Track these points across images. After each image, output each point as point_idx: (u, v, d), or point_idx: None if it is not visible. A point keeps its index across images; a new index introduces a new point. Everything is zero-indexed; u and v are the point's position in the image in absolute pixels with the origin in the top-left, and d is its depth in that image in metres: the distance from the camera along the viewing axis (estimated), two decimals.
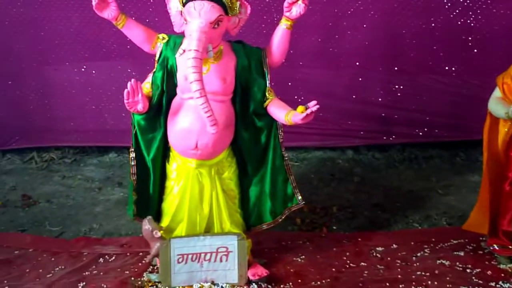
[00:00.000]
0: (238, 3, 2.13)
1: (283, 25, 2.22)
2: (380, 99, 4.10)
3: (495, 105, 2.43)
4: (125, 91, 2.00)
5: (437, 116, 4.09)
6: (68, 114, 4.23)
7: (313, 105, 2.06)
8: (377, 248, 2.79)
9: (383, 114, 4.13)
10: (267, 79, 2.28)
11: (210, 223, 2.43)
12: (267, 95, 2.28)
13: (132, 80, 2.01)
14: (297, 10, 2.16)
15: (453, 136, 4.11)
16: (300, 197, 2.48)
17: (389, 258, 2.68)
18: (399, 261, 2.64)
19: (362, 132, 4.24)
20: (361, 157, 4.29)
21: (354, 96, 4.10)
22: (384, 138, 4.23)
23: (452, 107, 4.02)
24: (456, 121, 4.04)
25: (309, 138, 4.28)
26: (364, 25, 3.86)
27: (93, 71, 4.08)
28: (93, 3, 2.04)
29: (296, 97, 4.03)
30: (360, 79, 4.04)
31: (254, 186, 2.48)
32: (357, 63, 3.98)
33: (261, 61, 2.27)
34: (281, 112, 2.21)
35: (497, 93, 2.46)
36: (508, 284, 2.39)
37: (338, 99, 4.13)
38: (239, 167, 2.45)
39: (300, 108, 2.08)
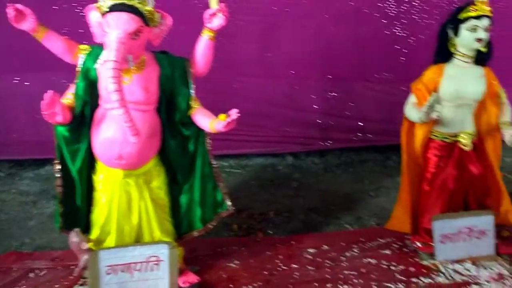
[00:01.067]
0: (158, 15, 2.17)
1: (206, 36, 2.28)
2: (316, 106, 4.24)
3: (410, 110, 2.59)
4: (42, 102, 1.99)
5: (370, 121, 4.28)
6: (2, 127, 4.11)
7: (234, 113, 2.12)
8: (309, 250, 2.88)
9: (319, 121, 4.27)
10: (191, 88, 2.33)
11: (140, 233, 2.43)
12: (191, 104, 2.32)
13: (50, 91, 2.00)
14: (218, 21, 2.22)
15: (386, 140, 4.29)
16: (229, 203, 2.54)
17: (319, 259, 2.77)
18: (328, 262, 2.74)
19: (301, 138, 4.37)
20: (300, 163, 4.40)
21: (292, 104, 4.22)
22: (322, 143, 4.37)
23: (384, 113, 4.21)
24: (388, 126, 4.21)
25: (251, 145, 4.36)
26: (298, 35, 3.99)
27: (27, 83, 3.99)
28: (9, 15, 2.03)
29: (235, 105, 4.08)
30: (296, 87, 4.17)
31: (184, 194, 2.51)
32: (293, 72, 4.11)
33: (185, 71, 2.32)
34: (205, 120, 2.27)
35: (412, 98, 2.62)
36: (428, 279, 2.52)
37: (278, 106, 4.24)
38: (169, 175, 2.47)
39: (222, 116, 2.13)
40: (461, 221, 2.64)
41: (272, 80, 4.12)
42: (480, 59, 2.52)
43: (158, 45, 2.26)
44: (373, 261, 2.73)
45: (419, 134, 2.65)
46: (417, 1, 3.96)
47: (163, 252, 2.39)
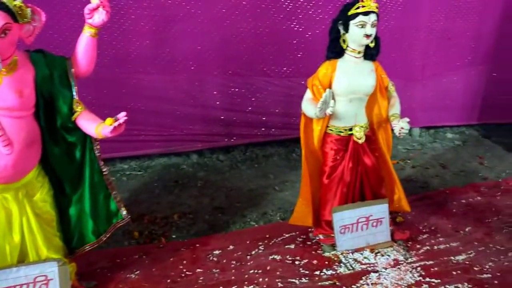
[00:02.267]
0: (29, 10, 1.93)
1: (87, 33, 2.08)
2: (218, 102, 4.16)
3: (307, 106, 2.61)
4: None
5: (272, 115, 4.30)
6: None
7: (122, 117, 1.96)
8: (214, 252, 2.81)
9: (222, 117, 4.20)
10: (73, 90, 2.11)
11: (24, 251, 2.18)
12: (74, 107, 2.11)
13: None
14: (100, 17, 2.04)
15: (288, 134, 4.34)
16: (125, 212, 2.38)
17: (225, 261, 2.72)
18: (234, 262, 2.70)
19: (205, 136, 4.26)
20: (205, 161, 4.31)
21: (192, 101, 4.10)
22: (226, 140, 4.31)
23: (285, 107, 4.26)
24: (290, 120, 4.27)
25: (152, 145, 4.18)
26: (196, 30, 3.87)
27: None
28: None
29: (133, 104, 3.91)
30: (196, 83, 4.05)
31: (73, 206, 2.30)
32: (192, 68, 3.98)
33: (66, 71, 2.10)
34: (90, 125, 2.08)
35: (308, 94, 2.64)
36: (330, 271, 2.58)
37: (178, 104, 4.09)
38: (55, 186, 2.24)
39: (109, 120, 1.96)
40: (358, 211, 2.73)
41: (170, 76, 3.95)
42: (369, 54, 2.60)
43: (31, 43, 2.02)
44: (278, 257, 2.73)
45: (316, 129, 2.68)
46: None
47: (51, 270, 2.19)
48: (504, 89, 4.90)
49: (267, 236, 2.99)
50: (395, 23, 4.35)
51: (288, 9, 4.00)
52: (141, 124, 4.00)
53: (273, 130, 4.34)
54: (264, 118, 4.29)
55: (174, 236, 3.06)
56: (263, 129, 4.32)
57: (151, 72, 3.90)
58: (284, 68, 4.16)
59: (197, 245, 2.89)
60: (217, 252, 2.81)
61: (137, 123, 3.96)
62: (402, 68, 4.56)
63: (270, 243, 2.91)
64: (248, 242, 2.93)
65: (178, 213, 3.35)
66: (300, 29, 4.08)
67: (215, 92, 4.12)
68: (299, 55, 4.12)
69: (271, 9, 3.97)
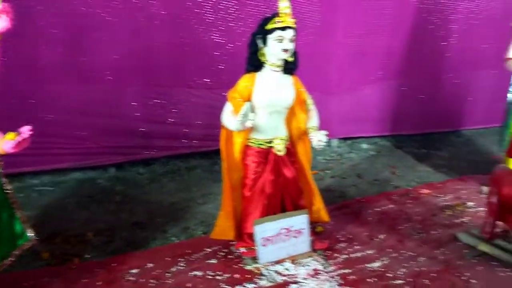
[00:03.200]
0: None
1: None
2: (138, 114, 4.04)
3: (227, 118, 2.59)
4: None
5: (195, 127, 4.25)
6: None
7: (25, 131, 1.81)
8: (132, 271, 2.68)
9: (142, 129, 4.08)
10: None
11: None
12: None
13: None
14: (1, 23, 1.88)
15: (211, 146, 4.29)
16: (31, 233, 2.20)
17: (143, 280, 2.60)
18: (153, 281, 2.59)
19: (123, 148, 4.11)
20: (124, 174, 4.15)
21: (110, 112, 3.94)
22: (146, 152, 4.18)
23: (207, 118, 4.22)
24: (212, 131, 4.17)
25: (65, 159, 3.95)
26: (112, 39, 3.72)
27: None
28: None
29: (44, 115, 3.67)
30: (114, 94, 3.90)
31: None
32: (109, 78, 3.83)
33: None
34: None
35: (228, 107, 2.62)
36: (252, 285, 2.56)
37: (94, 115, 3.91)
38: None
39: (11, 135, 1.81)
40: (279, 222, 2.75)
41: (85, 86, 3.77)
42: (288, 68, 2.65)
43: None
44: (199, 273, 2.67)
45: (237, 142, 2.67)
46: (232, 9, 4.05)
47: None
48: (413, 102, 5.26)
49: (188, 251, 2.91)
50: (313, 38, 4.49)
51: (209, 20, 3.99)
52: (53, 136, 3.77)
53: (195, 141, 4.29)
54: (186, 130, 4.22)
55: (88, 256, 2.88)
56: (185, 141, 4.26)
57: (64, 82, 3.69)
58: (206, 80, 4.13)
59: (113, 264, 2.75)
60: (134, 271, 2.68)
61: (49, 136, 3.72)
62: (320, 82, 4.72)
63: (191, 259, 2.83)
64: (168, 258, 2.83)
65: (94, 231, 3.17)
66: (222, 41, 4.08)
67: (134, 103, 3.99)
68: (221, 67, 4.12)
69: (192, 20, 3.94)
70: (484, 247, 2.90)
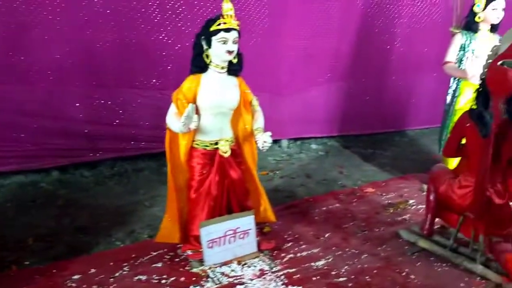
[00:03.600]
0: None
1: None
2: (81, 115, 3.92)
3: (171, 120, 2.57)
4: None
5: (142, 128, 4.17)
6: None
7: None
8: (74, 277, 2.60)
9: (86, 130, 3.96)
10: None
11: None
12: None
13: None
14: None
15: (160, 147, 4.18)
16: None
17: (85, 286, 2.53)
18: (95, 287, 2.52)
19: (67, 150, 3.98)
20: (68, 177, 4.02)
21: (52, 113, 3.80)
22: (91, 154, 4.07)
23: (155, 119, 4.13)
24: (160, 132, 4.08)
25: (5, 162, 3.78)
26: (54, 38, 3.59)
27: None
28: None
29: None
30: (57, 94, 3.76)
31: None
32: (51, 78, 3.69)
33: None
34: None
35: (173, 109, 2.60)
36: (198, 287, 2.55)
37: (35, 116, 3.77)
38: None
39: None
40: (226, 224, 2.75)
41: (25, 86, 3.62)
42: (233, 69, 2.65)
43: None
44: (143, 277, 2.62)
45: (182, 144, 2.66)
46: (180, 9, 4.01)
47: None
48: (360, 103, 5.40)
49: (133, 255, 2.85)
50: (262, 40, 4.53)
51: (156, 20, 3.94)
52: None
53: (143, 143, 4.21)
54: (133, 131, 4.14)
55: (27, 263, 2.77)
56: (132, 142, 4.17)
57: (2, 82, 3.53)
58: (154, 80, 4.07)
59: (54, 270, 2.65)
60: (76, 277, 2.60)
61: None
62: (270, 83, 4.77)
63: (136, 263, 2.78)
64: (111, 263, 2.76)
65: (34, 236, 3.05)
66: (169, 41, 4.03)
67: (77, 104, 3.87)
68: (169, 67, 4.07)
69: (138, 20, 3.87)
70: (423, 244, 3.03)
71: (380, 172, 4.57)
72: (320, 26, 4.85)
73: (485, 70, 2.65)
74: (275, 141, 5.08)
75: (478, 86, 2.70)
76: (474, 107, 2.68)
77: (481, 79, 2.66)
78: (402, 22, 5.35)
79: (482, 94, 2.65)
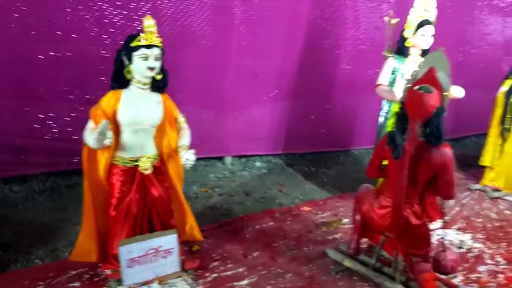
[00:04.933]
0: None
1: None
2: (12, 128, 3.79)
3: (87, 136, 2.50)
4: None
5: (76, 143, 3.94)
6: None
7: None
8: None
9: (17, 144, 3.83)
10: None
11: None
12: None
13: None
14: None
15: None
16: None
17: None
18: None
19: None
20: None
21: None
22: (22, 169, 3.93)
23: None
24: None
25: None
26: None
27: None
28: None
29: None
30: None
31: None
32: None
33: None
34: None
35: (90, 124, 2.54)
36: None
37: None
38: None
39: None
40: (147, 243, 2.69)
41: None
42: (156, 86, 2.63)
43: None
44: None
45: (102, 160, 2.59)
46: (119, 23, 3.97)
47: None
48: (305, 122, 5.47)
49: (51, 274, 2.77)
50: (206, 58, 4.54)
51: (93, 34, 3.88)
52: None
53: (77, 158, 4.08)
54: (67, 146, 4.02)
55: None
56: (66, 157, 4.05)
57: None
58: (89, 95, 3.98)
59: None
60: None
61: None
62: (215, 100, 4.78)
63: (53, 283, 2.69)
64: (27, 282, 2.67)
65: None
66: (107, 55, 3.96)
67: (7, 117, 3.75)
68: (104, 81, 4.00)
69: (73, 32, 3.80)
70: (348, 263, 3.05)
71: (319, 191, 4.61)
72: (266, 45, 4.91)
73: (405, 94, 2.74)
74: (219, 158, 5.08)
75: (398, 110, 2.78)
76: (393, 129, 2.76)
77: (401, 102, 2.75)
78: (347, 43, 5.48)
79: (401, 117, 2.72)
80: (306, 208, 4.07)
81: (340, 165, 5.55)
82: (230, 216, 3.85)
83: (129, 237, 2.67)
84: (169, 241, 2.77)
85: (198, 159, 4.75)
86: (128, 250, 2.64)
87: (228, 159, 5.10)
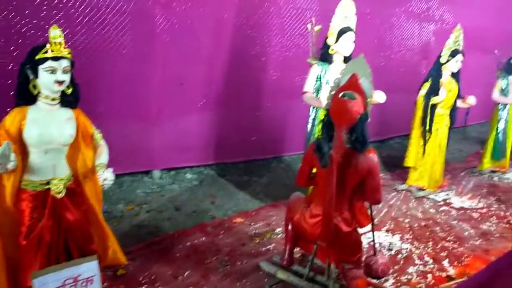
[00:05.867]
0: None
1: None
2: None
3: None
4: None
5: None
6: None
7: None
8: None
9: None
10: None
11: None
12: None
13: None
14: None
15: None
16: None
17: None
18: None
19: None
20: None
21: None
22: None
23: None
24: None
25: None
26: None
27: None
28: None
29: None
30: None
31: None
32: None
33: None
34: None
35: None
36: None
37: None
38: None
39: None
40: (64, 272, 2.43)
41: None
42: (67, 101, 2.42)
43: None
44: None
45: (8, 185, 2.33)
46: (27, 34, 3.67)
47: None
48: (235, 130, 5.38)
49: None
50: (128, 68, 4.33)
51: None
52: None
53: None
54: None
55: None
56: None
57: None
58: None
59: None
60: None
61: None
62: (140, 112, 4.57)
63: None
64: None
65: None
66: (16, 68, 3.64)
67: None
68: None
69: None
70: (281, 275, 2.99)
71: (252, 200, 4.54)
72: (191, 54, 4.77)
73: (329, 101, 2.73)
74: (146, 172, 4.86)
75: (323, 117, 2.77)
76: (320, 137, 2.74)
77: (326, 109, 2.73)
78: (273, 51, 5.48)
79: (327, 124, 2.71)
80: (239, 220, 3.98)
81: (272, 172, 5.51)
82: (159, 234, 3.66)
83: (43, 267, 2.42)
84: (89, 268, 2.53)
85: (124, 175, 4.64)
86: (42, 282, 2.38)
87: (157, 173, 4.89)
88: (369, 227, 3.04)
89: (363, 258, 3.02)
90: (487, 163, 5.75)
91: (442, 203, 4.67)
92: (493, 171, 5.74)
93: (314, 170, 2.82)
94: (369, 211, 3.02)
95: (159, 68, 4.59)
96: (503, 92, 5.49)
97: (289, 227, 3.01)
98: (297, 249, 3.10)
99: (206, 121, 5.16)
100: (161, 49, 4.54)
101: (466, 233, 3.96)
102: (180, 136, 4.97)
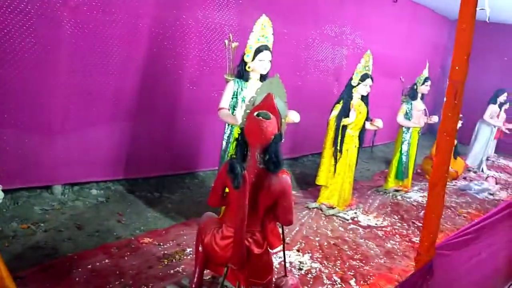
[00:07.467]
0: None
1: None
2: None
3: None
4: None
5: None
6: None
7: None
8: None
9: None
10: None
11: None
12: None
13: None
14: None
15: None
16: None
17: None
18: None
19: None
20: None
21: None
22: None
23: None
24: None
25: None
26: None
27: None
28: None
29: None
30: None
31: None
32: None
33: None
34: None
35: None
36: None
37: None
38: None
39: None
40: None
41: None
42: None
43: None
44: None
45: None
46: None
47: None
48: (147, 144, 5.15)
49: None
50: (29, 74, 3.96)
51: None
52: None
53: None
54: None
55: None
56: None
57: None
58: None
59: None
60: None
61: None
62: (41, 122, 4.18)
63: None
64: None
65: None
66: None
67: None
68: None
69: None
70: None
71: (163, 219, 4.33)
72: (101, 62, 4.49)
73: (244, 120, 2.67)
74: (46, 188, 4.45)
75: (237, 136, 2.70)
76: (234, 156, 2.67)
77: (241, 128, 2.67)
78: (190, 64, 5.35)
79: (241, 143, 2.65)
80: (147, 240, 3.76)
81: (185, 188, 5.34)
82: (57, 256, 3.34)
83: None
84: None
85: (19, 190, 4.20)
86: None
87: (58, 188, 4.50)
88: (281, 247, 3.01)
89: (274, 279, 2.97)
90: (391, 183, 6.07)
91: (350, 221, 4.81)
92: (397, 190, 6.08)
93: (227, 190, 2.74)
94: (281, 231, 2.99)
95: (64, 75, 4.25)
96: (407, 116, 5.86)
97: (200, 248, 2.88)
98: (207, 271, 2.98)
99: (116, 133, 4.87)
100: (67, 56, 4.22)
101: (372, 251, 4.09)
102: (87, 149, 4.63)
